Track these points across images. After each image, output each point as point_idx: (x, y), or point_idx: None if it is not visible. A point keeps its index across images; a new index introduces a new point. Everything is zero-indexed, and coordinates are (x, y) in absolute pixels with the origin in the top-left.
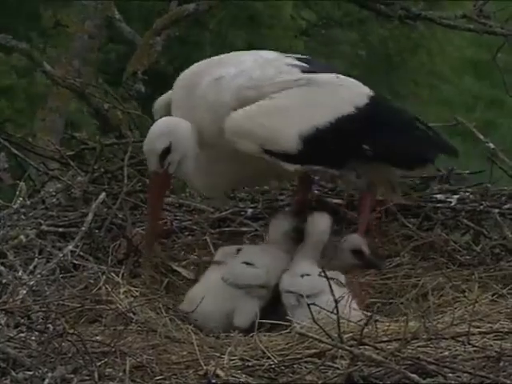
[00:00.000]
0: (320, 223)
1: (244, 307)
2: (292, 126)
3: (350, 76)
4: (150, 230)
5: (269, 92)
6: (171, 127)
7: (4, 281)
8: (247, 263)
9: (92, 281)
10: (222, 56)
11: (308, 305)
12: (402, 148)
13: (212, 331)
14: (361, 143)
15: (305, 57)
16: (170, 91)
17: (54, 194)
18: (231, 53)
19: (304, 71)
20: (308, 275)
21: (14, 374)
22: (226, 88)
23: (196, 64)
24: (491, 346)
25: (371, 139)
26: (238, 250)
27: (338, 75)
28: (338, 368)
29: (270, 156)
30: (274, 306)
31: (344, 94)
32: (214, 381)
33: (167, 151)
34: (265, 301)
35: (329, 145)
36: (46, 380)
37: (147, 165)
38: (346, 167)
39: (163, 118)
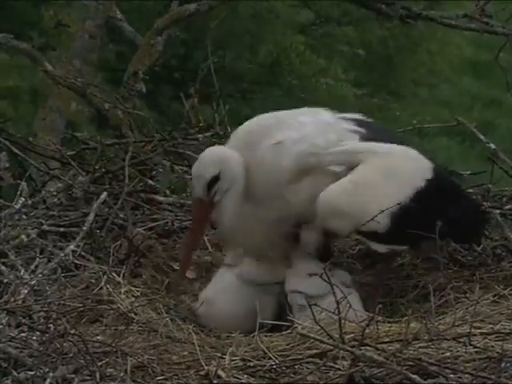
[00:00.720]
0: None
1: (265, 305)
2: (382, 204)
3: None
4: (186, 255)
5: (331, 161)
6: (222, 155)
7: (5, 280)
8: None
9: (93, 281)
10: (279, 115)
11: (309, 305)
12: (468, 224)
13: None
14: (434, 219)
15: (356, 117)
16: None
17: (55, 193)
18: (286, 111)
19: (362, 137)
20: (316, 274)
21: (15, 373)
22: (286, 153)
23: (252, 122)
24: (492, 346)
25: (442, 215)
26: None
27: (400, 146)
28: (339, 369)
29: (359, 235)
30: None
31: (414, 167)
32: (215, 381)
33: (216, 179)
34: (278, 297)
35: (410, 221)
36: (48, 380)
37: (192, 191)
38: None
39: (214, 146)
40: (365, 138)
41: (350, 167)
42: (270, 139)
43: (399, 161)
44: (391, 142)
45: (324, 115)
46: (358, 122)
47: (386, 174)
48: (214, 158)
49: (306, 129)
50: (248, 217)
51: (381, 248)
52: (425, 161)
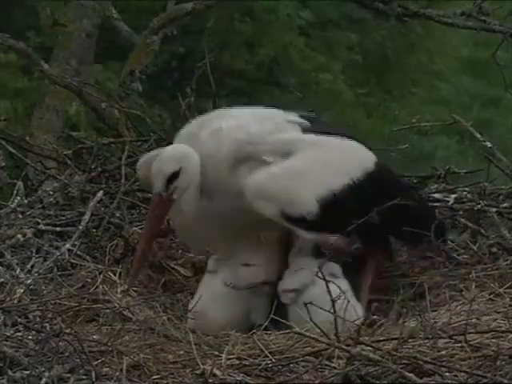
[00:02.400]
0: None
1: (257, 306)
2: (312, 191)
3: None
4: (141, 253)
5: (267, 150)
6: (184, 153)
7: (1, 280)
8: (245, 264)
9: (89, 280)
10: (222, 110)
11: (305, 304)
12: (410, 221)
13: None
14: (370, 210)
15: (309, 114)
16: (154, 151)
17: (51, 192)
18: (231, 108)
19: (305, 130)
20: (302, 268)
21: (10, 373)
22: (225, 141)
23: (196, 119)
24: (488, 345)
25: (379, 206)
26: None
27: (342, 138)
28: (335, 367)
29: (286, 221)
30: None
31: (351, 157)
32: (210, 380)
33: (176, 175)
34: (272, 297)
35: (343, 210)
36: (43, 379)
37: (152, 186)
38: (354, 235)
39: (177, 144)
40: (307, 130)
41: (285, 157)
42: (209, 128)
43: (336, 150)
44: (337, 133)
45: (268, 110)
46: (304, 116)
47: (319, 163)
48: (175, 154)
49: (243, 118)
50: (202, 212)
51: (307, 235)
52: (367, 153)
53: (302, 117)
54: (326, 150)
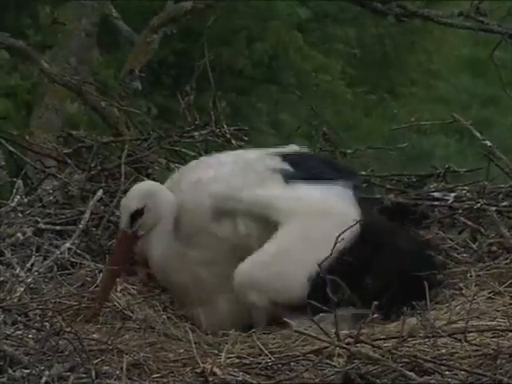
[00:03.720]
0: None
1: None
2: (301, 273)
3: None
4: (103, 289)
5: (244, 210)
6: (150, 190)
7: (1, 278)
8: None
9: (89, 279)
10: (203, 158)
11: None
12: (403, 277)
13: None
14: (362, 277)
15: (292, 152)
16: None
17: (51, 191)
18: (214, 154)
19: (288, 177)
20: None
21: (10, 371)
22: (203, 193)
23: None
24: (488, 343)
25: (371, 270)
26: None
27: (322, 192)
28: (335, 366)
29: (276, 308)
30: None
31: (334, 223)
32: (211, 378)
33: (140, 213)
34: None
35: (332, 287)
36: (43, 378)
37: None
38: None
39: (149, 181)
40: (289, 177)
41: (264, 221)
42: (188, 179)
43: (318, 220)
44: (322, 177)
45: (249, 154)
46: (287, 158)
47: (303, 239)
48: (141, 191)
49: (224, 168)
50: (179, 257)
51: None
52: (350, 211)
53: (285, 157)
54: (309, 222)
